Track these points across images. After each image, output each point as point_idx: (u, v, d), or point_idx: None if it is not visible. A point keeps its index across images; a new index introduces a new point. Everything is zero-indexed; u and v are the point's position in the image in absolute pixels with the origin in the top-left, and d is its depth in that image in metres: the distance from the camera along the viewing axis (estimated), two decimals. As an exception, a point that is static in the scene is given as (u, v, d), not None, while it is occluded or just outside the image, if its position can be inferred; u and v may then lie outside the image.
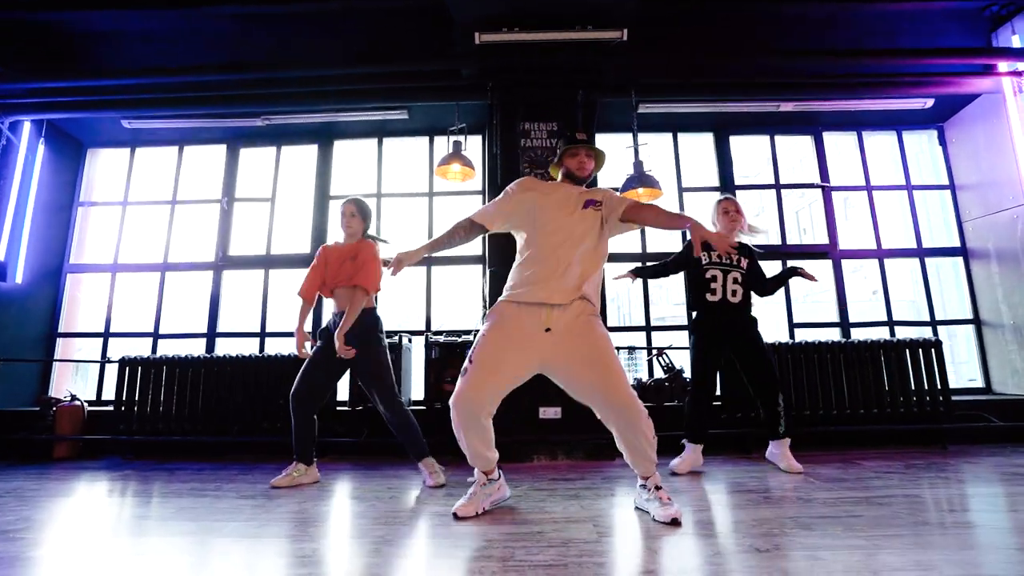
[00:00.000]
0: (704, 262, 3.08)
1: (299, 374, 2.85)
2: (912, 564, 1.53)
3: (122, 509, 2.39)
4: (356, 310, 2.77)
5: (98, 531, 2.04)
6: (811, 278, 3.11)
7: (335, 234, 4.50)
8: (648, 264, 3.32)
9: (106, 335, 4.51)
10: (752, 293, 3.15)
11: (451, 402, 2.02)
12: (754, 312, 3.15)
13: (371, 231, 3.10)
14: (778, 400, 2.97)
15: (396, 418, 2.81)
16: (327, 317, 3.03)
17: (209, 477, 3.03)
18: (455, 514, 2.09)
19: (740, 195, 4.56)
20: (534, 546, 1.76)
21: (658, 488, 2.08)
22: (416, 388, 4.08)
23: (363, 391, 3.04)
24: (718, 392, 3.83)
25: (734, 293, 3.04)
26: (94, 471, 3.29)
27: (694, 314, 3.18)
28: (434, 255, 4.29)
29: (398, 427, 2.82)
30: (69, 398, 3.89)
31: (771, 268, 4.67)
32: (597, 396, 2.01)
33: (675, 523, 1.94)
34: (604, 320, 3.22)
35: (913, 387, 3.72)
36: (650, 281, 3.75)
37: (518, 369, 2.07)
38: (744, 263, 3.11)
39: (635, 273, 3.15)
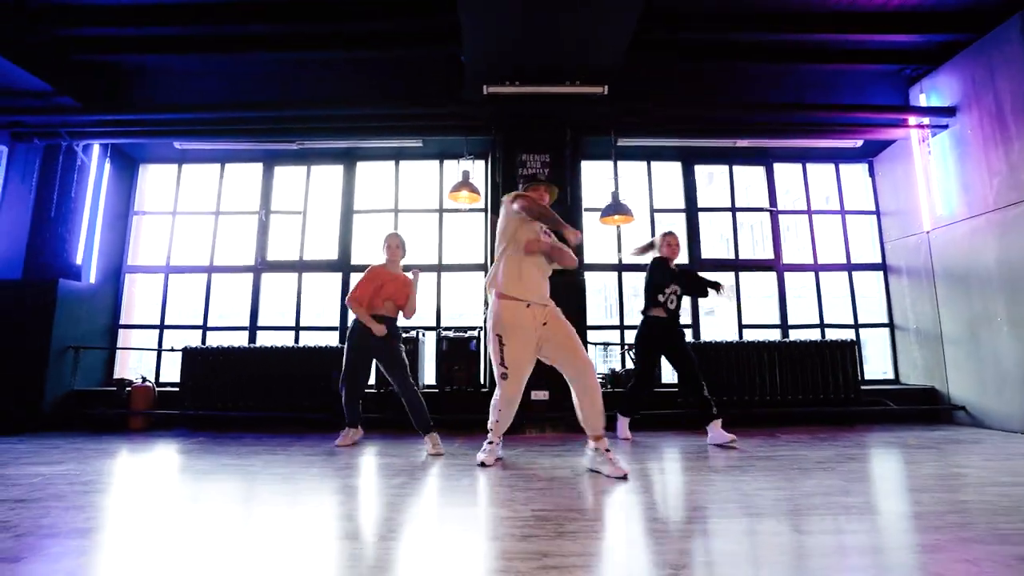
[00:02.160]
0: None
1: (344, 369, 3.74)
2: (769, 487, 2.42)
3: (220, 460, 3.21)
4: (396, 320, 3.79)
5: (221, 480, 2.86)
6: (717, 287, 3.92)
7: (359, 244, 5.35)
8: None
9: (161, 327, 5.29)
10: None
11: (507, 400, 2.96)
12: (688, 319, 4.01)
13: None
14: (704, 389, 3.77)
15: (410, 398, 3.62)
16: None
17: (273, 443, 3.85)
18: (483, 463, 2.96)
19: (702, 216, 5.47)
20: (532, 479, 2.62)
21: (607, 451, 2.77)
22: (429, 375, 4.93)
23: (386, 378, 3.89)
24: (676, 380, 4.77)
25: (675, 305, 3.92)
26: (171, 439, 4.09)
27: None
28: (444, 263, 5.11)
29: (410, 405, 3.61)
30: (141, 379, 4.68)
31: (725, 279, 5.57)
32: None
33: (623, 478, 2.61)
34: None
35: (832, 378, 4.65)
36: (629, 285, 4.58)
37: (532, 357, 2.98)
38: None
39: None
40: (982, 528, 1.84)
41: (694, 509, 2.13)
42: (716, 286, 3.91)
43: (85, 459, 3.20)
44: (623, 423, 3.95)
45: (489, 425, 3.08)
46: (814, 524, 1.90)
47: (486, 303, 4.78)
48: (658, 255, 3.92)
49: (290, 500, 2.31)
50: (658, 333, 3.85)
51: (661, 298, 3.84)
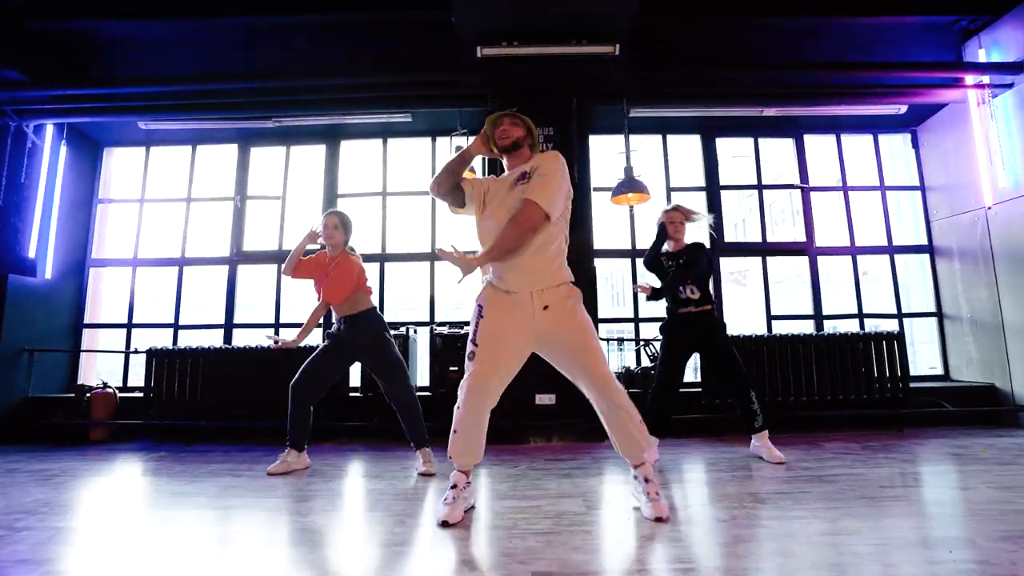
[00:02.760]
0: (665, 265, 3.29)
1: (302, 368, 3.09)
2: (839, 530, 1.89)
3: (172, 486, 2.73)
4: (314, 320, 3.14)
5: (157, 506, 2.37)
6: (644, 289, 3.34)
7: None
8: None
9: (129, 326, 4.82)
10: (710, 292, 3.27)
11: (472, 389, 2.10)
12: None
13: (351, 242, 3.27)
14: (751, 397, 3.13)
15: (405, 407, 3.08)
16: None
17: (240, 458, 3.36)
18: (444, 522, 2.00)
19: (725, 195, 4.90)
20: (533, 517, 2.11)
21: (647, 481, 2.10)
22: (421, 376, 4.42)
23: (375, 381, 3.31)
24: (699, 380, 4.23)
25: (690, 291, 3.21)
26: (131, 452, 3.62)
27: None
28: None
29: (405, 415, 3.07)
30: (101, 385, 4.21)
31: (753, 264, 5.01)
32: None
33: (659, 520, 1.99)
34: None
35: (876, 375, 4.09)
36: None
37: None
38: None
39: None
40: None
41: (734, 572, 1.60)
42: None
43: (7, 488, 2.71)
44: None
45: (450, 451, 2.14)
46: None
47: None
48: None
49: (219, 548, 1.81)
50: (675, 331, 3.26)
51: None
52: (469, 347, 2.13)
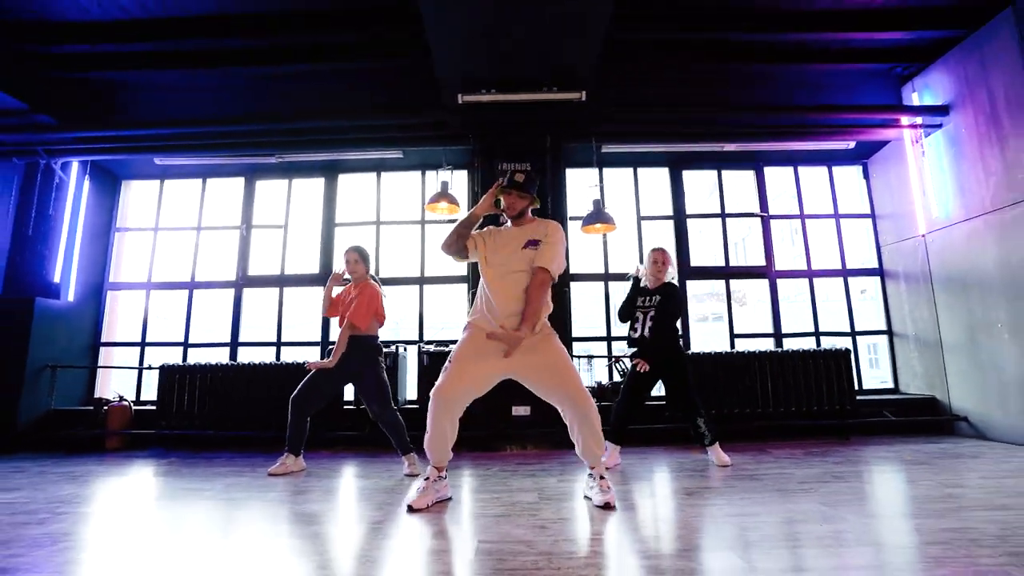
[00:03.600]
0: (636, 304, 3.59)
1: (303, 382, 3.45)
2: (740, 512, 2.27)
3: (181, 483, 3.11)
4: (343, 342, 3.41)
5: (171, 498, 2.76)
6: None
7: (340, 258, 5.25)
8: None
9: (143, 344, 5.23)
10: (666, 326, 3.49)
11: (437, 400, 2.48)
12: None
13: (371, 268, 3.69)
14: (698, 423, 3.45)
15: (388, 423, 3.44)
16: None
17: (242, 463, 3.74)
18: (410, 506, 2.41)
19: (690, 223, 5.33)
20: (491, 505, 2.49)
21: (601, 478, 2.50)
22: (410, 390, 4.82)
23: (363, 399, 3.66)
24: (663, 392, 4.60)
25: (649, 329, 3.49)
26: (145, 459, 4.00)
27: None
28: (426, 276, 5.01)
29: (389, 429, 3.44)
30: (118, 399, 4.61)
31: (717, 286, 5.42)
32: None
33: (607, 507, 2.37)
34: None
35: (826, 389, 4.46)
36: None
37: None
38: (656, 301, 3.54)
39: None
40: (961, 563, 1.68)
41: (644, 541, 1.98)
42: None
43: (42, 485, 3.11)
44: (612, 449, 3.49)
45: (424, 445, 2.53)
46: (772, 560, 1.75)
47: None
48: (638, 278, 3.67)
49: (225, 529, 2.20)
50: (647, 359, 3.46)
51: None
52: (446, 363, 2.53)
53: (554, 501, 2.59)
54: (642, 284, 3.64)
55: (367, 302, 3.44)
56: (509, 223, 2.71)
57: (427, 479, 2.55)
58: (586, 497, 2.60)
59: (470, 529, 2.14)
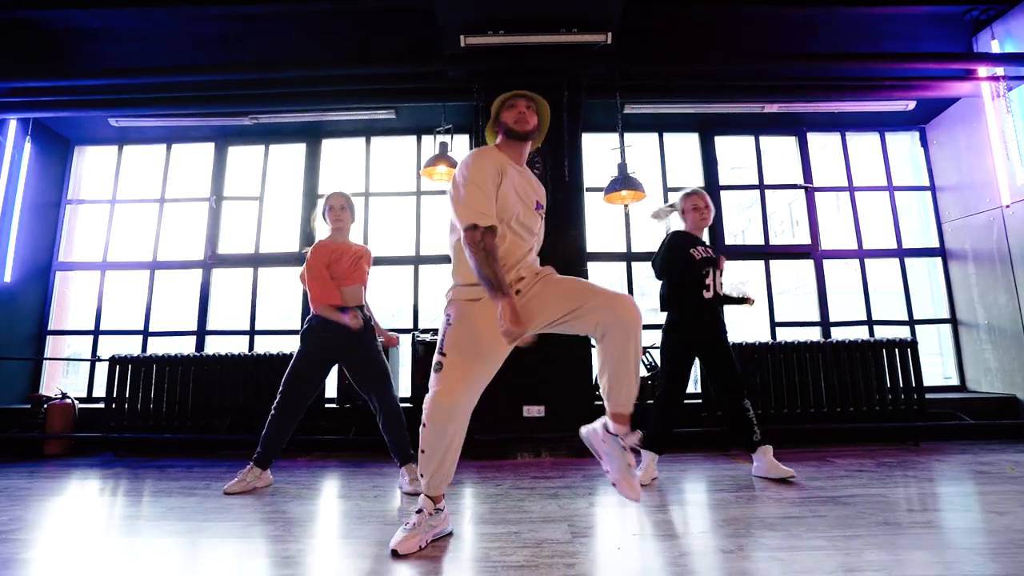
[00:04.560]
0: (697, 258, 2.87)
1: (287, 379, 2.77)
2: (865, 564, 1.61)
3: (113, 508, 2.45)
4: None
5: (90, 531, 2.09)
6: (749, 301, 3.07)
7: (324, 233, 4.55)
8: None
9: (96, 333, 4.55)
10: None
11: (437, 410, 1.81)
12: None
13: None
14: (744, 401, 2.83)
15: (393, 412, 2.77)
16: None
17: (199, 475, 3.08)
18: (395, 551, 1.76)
19: (725, 195, 4.66)
20: (508, 546, 1.83)
21: (625, 449, 1.84)
22: (403, 386, 4.14)
23: (354, 388, 2.94)
24: (699, 390, 3.96)
25: (720, 284, 2.96)
26: (86, 468, 3.34)
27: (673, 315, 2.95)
28: (422, 255, 4.36)
29: (390, 426, 2.76)
30: (60, 396, 3.94)
31: (755, 268, 4.76)
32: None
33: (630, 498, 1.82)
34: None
35: (889, 386, 3.82)
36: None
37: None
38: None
39: None
40: None
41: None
42: (743, 301, 3.04)
43: (-68, 508, 2.44)
44: (649, 459, 2.80)
45: (419, 470, 1.89)
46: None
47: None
48: (676, 229, 3.05)
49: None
50: (686, 330, 2.88)
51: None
52: (436, 357, 1.87)
53: (591, 538, 1.94)
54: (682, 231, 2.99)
55: (367, 267, 2.99)
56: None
57: (419, 511, 1.88)
58: (634, 535, 1.93)
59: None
